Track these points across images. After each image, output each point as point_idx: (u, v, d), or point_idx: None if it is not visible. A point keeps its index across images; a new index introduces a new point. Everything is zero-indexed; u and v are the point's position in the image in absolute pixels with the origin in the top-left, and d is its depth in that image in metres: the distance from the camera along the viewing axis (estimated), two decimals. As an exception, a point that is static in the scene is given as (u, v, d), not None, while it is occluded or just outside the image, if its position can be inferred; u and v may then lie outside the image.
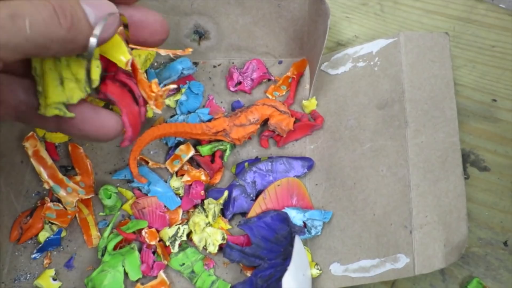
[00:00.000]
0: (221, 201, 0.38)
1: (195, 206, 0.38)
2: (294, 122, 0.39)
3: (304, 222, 0.37)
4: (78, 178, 0.38)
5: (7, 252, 0.37)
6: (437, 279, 0.38)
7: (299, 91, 0.42)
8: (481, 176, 0.40)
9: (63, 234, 0.38)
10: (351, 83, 0.39)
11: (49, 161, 0.38)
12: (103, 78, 0.25)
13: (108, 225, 0.37)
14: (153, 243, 0.37)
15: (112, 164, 0.40)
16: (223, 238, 0.36)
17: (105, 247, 0.36)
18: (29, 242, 0.38)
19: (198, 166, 0.39)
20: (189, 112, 0.41)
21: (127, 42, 0.25)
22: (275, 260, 0.36)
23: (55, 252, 0.38)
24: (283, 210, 0.37)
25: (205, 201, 0.37)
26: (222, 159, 0.40)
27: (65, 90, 0.23)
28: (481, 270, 0.38)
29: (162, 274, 0.36)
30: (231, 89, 0.42)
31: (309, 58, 0.42)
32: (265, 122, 0.40)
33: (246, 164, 0.39)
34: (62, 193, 0.37)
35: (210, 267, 0.37)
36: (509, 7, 0.44)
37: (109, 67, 0.25)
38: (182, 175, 0.39)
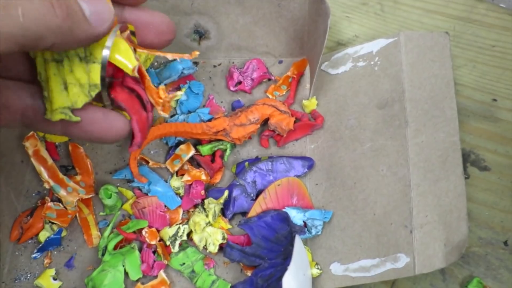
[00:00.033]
0: (222, 200, 0.38)
1: (196, 206, 0.38)
2: (295, 122, 0.39)
3: (304, 222, 0.37)
4: (78, 177, 0.38)
5: (7, 252, 0.37)
6: (437, 279, 0.38)
7: (299, 91, 0.42)
8: (481, 176, 0.40)
9: (64, 233, 0.38)
10: (351, 82, 0.39)
11: (50, 161, 0.38)
12: (111, 85, 0.25)
13: (108, 225, 0.37)
14: (153, 242, 0.37)
15: (112, 163, 0.40)
16: (224, 238, 0.36)
17: (106, 247, 0.36)
18: (29, 241, 0.38)
19: (199, 165, 0.39)
20: (189, 112, 0.41)
21: (135, 49, 0.26)
22: (275, 260, 0.36)
23: (55, 252, 0.38)
24: (284, 209, 0.37)
25: (206, 201, 0.37)
26: (223, 158, 0.40)
27: (69, 95, 0.23)
28: (482, 269, 0.38)
29: (162, 273, 0.36)
30: (231, 88, 0.42)
31: (310, 58, 0.42)
32: (265, 122, 0.40)
33: (246, 163, 0.39)
34: (62, 192, 0.37)
35: (211, 267, 0.37)
36: (509, 7, 0.44)
37: (116, 73, 0.25)
38: (183, 174, 0.39)
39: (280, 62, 0.43)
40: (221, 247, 0.37)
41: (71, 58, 0.23)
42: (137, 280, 0.36)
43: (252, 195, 0.38)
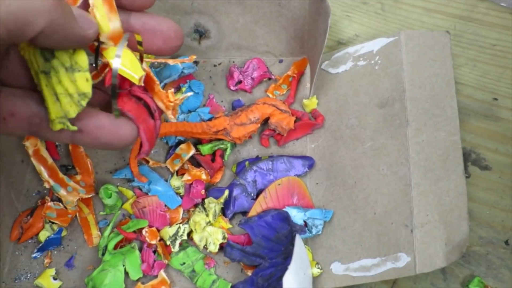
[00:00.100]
0: (222, 200, 0.37)
1: (196, 205, 0.38)
2: (295, 121, 0.39)
3: (304, 221, 0.37)
4: (78, 177, 0.38)
5: (7, 252, 0.37)
6: (438, 278, 0.38)
7: (300, 90, 0.42)
8: (482, 175, 0.40)
9: (64, 233, 0.38)
10: (351, 82, 0.39)
11: (50, 160, 0.38)
12: (118, 95, 0.25)
13: (108, 225, 0.37)
14: (153, 242, 0.36)
15: (112, 163, 0.40)
16: (224, 237, 0.36)
17: (106, 247, 0.36)
18: (29, 241, 0.38)
19: (199, 165, 0.39)
20: (189, 111, 0.41)
21: (141, 58, 0.26)
22: (275, 259, 0.36)
23: (55, 252, 0.38)
24: (284, 209, 0.37)
25: (206, 200, 0.37)
26: (223, 158, 0.40)
27: (61, 105, 0.23)
28: (482, 269, 0.38)
29: (162, 273, 0.36)
30: (232, 88, 0.42)
31: (310, 57, 0.42)
32: (265, 121, 0.40)
33: (246, 163, 0.39)
34: (62, 192, 0.37)
35: (211, 266, 0.37)
36: (509, 6, 0.44)
37: (123, 83, 0.25)
38: (183, 174, 0.39)
39: (281, 61, 0.43)
40: (222, 247, 0.37)
41: (57, 69, 0.23)
42: (138, 280, 0.36)
43: (252, 194, 0.38)
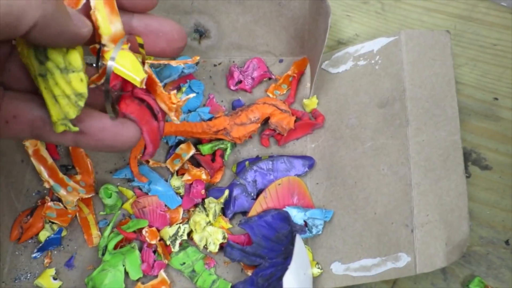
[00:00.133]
0: (222, 200, 0.37)
1: (196, 205, 0.38)
2: (295, 121, 0.39)
3: (305, 221, 0.37)
4: (78, 177, 0.38)
5: (7, 252, 0.37)
6: (438, 278, 0.38)
7: (300, 90, 0.42)
8: (482, 175, 0.40)
9: (64, 233, 0.38)
10: (352, 81, 0.39)
11: (50, 160, 0.38)
12: (120, 98, 0.26)
13: (108, 224, 0.37)
14: (153, 242, 0.36)
15: (112, 163, 0.40)
16: (224, 237, 0.36)
17: (106, 246, 0.36)
18: (29, 241, 0.38)
19: (199, 165, 0.39)
20: (189, 111, 0.41)
21: (143, 60, 0.26)
22: (276, 259, 0.36)
23: (55, 252, 0.38)
24: (284, 209, 0.37)
25: (206, 200, 0.37)
26: (223, 158, 0.40)
27: (60, 107, 0.23)
28: (483, 269, 0.38)
29: (162, 273, 0.36)
30: (232, 88, 0.42)
31: (310, 57, 0.41)
32: (265, 121, 0.40)
33: (247, 163, 0.39)
34: (62, 192, 0.37)
35: (211, 266, 0.37)
36: (510, 5, 0.44)
37: (125, 86, 0.25)
38: (183, 174, 0.39)
39: (281, 61, 0.43)
40: (222, 247, 0.37)
41: (52, 71, 0.23)
42: (138, 280, 0.36)
43: (252, 194, 0.38)
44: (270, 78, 0.43)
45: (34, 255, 0.37)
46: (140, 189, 0.39)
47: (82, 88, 0.23)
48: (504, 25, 0.44)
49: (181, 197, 0.38)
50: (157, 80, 0.26)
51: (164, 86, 0.41)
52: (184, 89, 0.41)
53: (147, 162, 0.39)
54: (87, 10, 0.24)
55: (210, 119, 0.40)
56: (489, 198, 0.40)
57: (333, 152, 0.39)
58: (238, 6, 0.40)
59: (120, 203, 0.39)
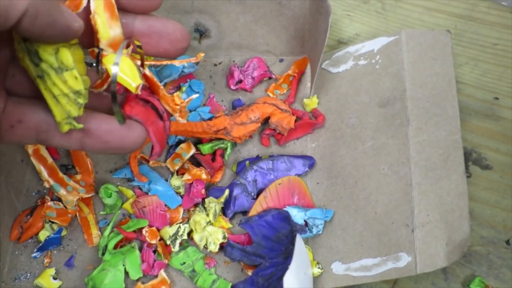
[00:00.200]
0: (222, 199, 0.37)
1: (196, 205, 0.38)
2: (295, 121, 0.39)
3: (305, 221, 0.37)
4: (78, 177, 0.38)
5: (7, 251, 0.37)
6: (439, 278, 0.38)
7: (300, 90, 0.42)
8: (483, 175, 0.40)
9: (64, 233, 0.38)
10: (352, 81, 0.39)
11: (50, 160, 0.37)
12: (125, 100, 0.26)
13: (108, 224, 0.37)
14: (153, 242, 0.36)
15: (112, 163, 0.40)
16: (224, 237, 0.36)
17: (106, 246, 0.36)
18: (29, 241, 0.38)
19: (199, 164, 0.39)
20: (189, 111, 0.41)
21: (142, 62, 0.26)
22: (276, 259, 0.36)
23: (55, 251, 0.38)
24: (284, 208, 0.37)
25: (206, 200, 0.37)
26: (223, 157, 0.40)
27: (62, 106, 0.23)
28: (483, 269, 0.38)
29: (162, 273, 0.36)
30: (232, 87, 0.42)
31: (310, 56, 0.41)
32: (266, 121, 0.40)
33: (247, 162, 0.39)
34: (62, 192, 0.37)
35: (211, 266, 0.37)
36: (510, 5, 0.44)
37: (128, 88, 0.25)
38: (183, 173, 0.39)
39: (281, 60, 0.43)
40: (222, 246, 0.37)
41: (48, 72, 0.23)
42: (138, 280, 0.36)
43: (253, 194, 0.38)
44: (270, 78, 0.42)
45: (34, 254, 0.37)
46: (140, 188, 0.39)
47: (78, 86, 0.23)
48: (505, 24, 0.44)
49: (181, 196, 0.38)
50: (159, 84, 0.26)
51: (164, 85, 0.41)
52: (184, 88, 0.41)
53: (147, 161, 0.39)
54: (87, 14, 0.24)
55: (210, 119, 0.40)
56: (490, 198, 0.40)
57: (333, 151, 0.39)
58: (238, 6, 0.40)
59: (120, 203, 0.39)
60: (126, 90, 0.25)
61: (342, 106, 0.39)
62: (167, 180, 0.39)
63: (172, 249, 0.36)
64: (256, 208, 0.37)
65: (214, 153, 0.40)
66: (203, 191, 0.38)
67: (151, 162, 0.39)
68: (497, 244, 0.38)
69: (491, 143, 0.41)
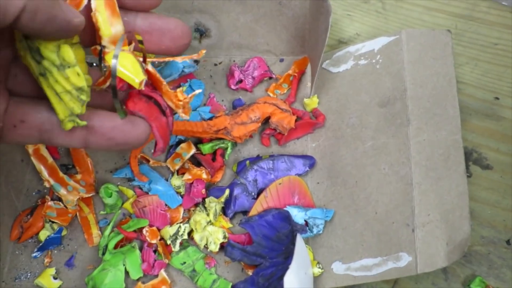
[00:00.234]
0: (222, 199, 0.37)
1: (196, 205, 0.38)
2: (296, 120, 0.39)
3: (305, 221, 0.37)
4: (78, 176, 0.38)
5: (7, 251, 0.37)
6: (439, 278, 0.38)
7: (301, 89, 0.42)
8: (483, 175, 0.40)
9: (64, 232, 0.38)
10: (352, 81, 0.39)
11: (50, 160, 0.37)
12: (128, 97, 0.26)
13: (109, 224, 0.37)
14: (154, 241, 0.36)
15: (113, 162, 0.40)
16: (225, 237, 0.36)
17: (106, 246, 0.36)
18: (29, 241, 0.38)
19: (199, 164, 0.39)
20: (190, 110, 0.41)
21: (144, 58, 0.26)
22: (276, 259, 0.35)
23: (55, 251, 0.38)
24: (285, 208, 0.37)
25: (206, 200, 0.37)
26: (223, 157, 0.40)
27: (65, 103, 0.23)
28: (484, 268, 0.38)
29: (163, 273, 0.36)
30: (232, 87, 0.42)
31: (311, 56, 0.41)
32: (266, 120, 0.40)
33: (247, 162, 0.39)
34: (62, 191, 0.37)
35: (211, 266, 0.37)
36: (510, 5, 0.44)
37: (131, 85, 0.25)
38: (183, 173, 0.39)
39: (281, 60, 0.43)
40: (222, 246, 0.37)
41: (50, 69, 0.23)
42: (138, 279, 0.36)
43: (253, 194, 0.38)
44: (270, 78, 0.42)
45: (34, 254, 0.37)
46: (140, 188, 0.39)
47: (81, 82, 0.23)
48: (505, 24, 0.44)
49: (182, 196, 0.38)
50: (162, 79, 0.26)
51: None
52: (184, 88, 0.41)
53: (148, 161, 0.39)
54: (88, 12, 0.24)
55: (210, 119, 0.39)
56: (490, 197, 0.40)
57: (334, 151, 0.39)
58: (238, 5, 0.40)
59: (121, 203, 0.39)
60: (130, 87, 0.25)
61: (343, 106, 0.39)
62: (167, 180, 0.39)
63: (173, 249, 0.36)
64: (257, 208, 0.37)
65: (214, 153, 0.40)
66: (203, 191, 0.38)
67: (151, 162, 0.39)
68: (498, 244, 0.38)
69: (492, 143, 0.41)
